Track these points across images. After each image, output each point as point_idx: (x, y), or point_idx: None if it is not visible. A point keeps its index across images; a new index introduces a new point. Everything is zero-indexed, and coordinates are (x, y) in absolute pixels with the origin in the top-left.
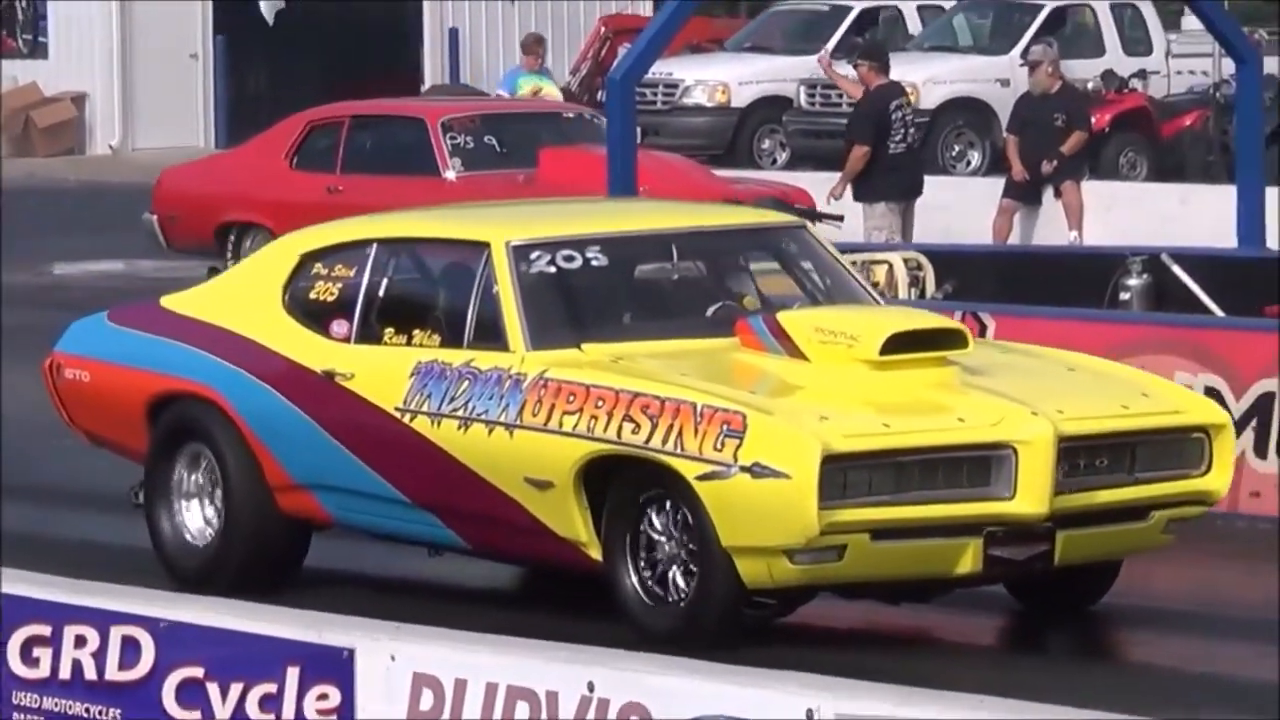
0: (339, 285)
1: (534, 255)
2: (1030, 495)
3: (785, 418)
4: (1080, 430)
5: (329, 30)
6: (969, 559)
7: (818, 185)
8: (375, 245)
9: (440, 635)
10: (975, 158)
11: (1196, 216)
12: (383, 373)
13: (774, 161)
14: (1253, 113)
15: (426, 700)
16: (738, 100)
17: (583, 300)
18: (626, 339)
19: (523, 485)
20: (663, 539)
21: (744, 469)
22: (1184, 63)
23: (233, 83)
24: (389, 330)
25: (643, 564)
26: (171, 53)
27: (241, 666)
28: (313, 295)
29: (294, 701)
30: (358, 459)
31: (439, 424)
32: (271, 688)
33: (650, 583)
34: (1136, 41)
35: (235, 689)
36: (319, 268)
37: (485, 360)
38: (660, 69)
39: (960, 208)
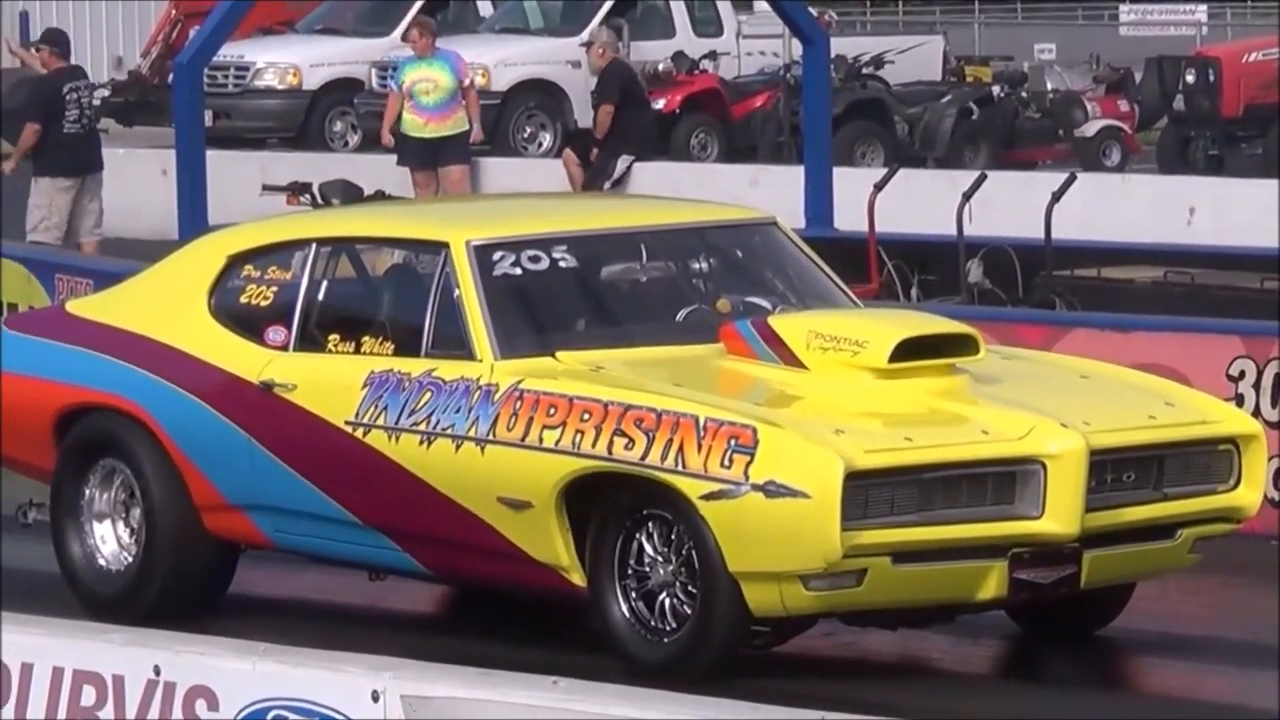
0: (274, 289)
1: (497, 256)
2: (1060, 514)
3: (799, 432)
4: (1111, 443)
5: None
6: (993, 583)
7: (384, 167)
8: (314, 245)
9: (5, 619)
10: (547, 139)
11: (766, 197)
12: (330, 384)
13: (346, 144)
14: (820, 94)
15: None
16: (309, 83)
17: (553, 304)
18: (602, 346)
19: (495, 505)
20: (656, 563)
21: (756, 488)
22: (755, 44)
23: None
24: (333, 337)
25: (633, 590)
26: None
27: None
28: (244, 300)
29: None
30: (300, 477)
31: (397, 439)
32: None
33: (642, 611)
34: (707, 23)
35: None
36: (250, 270)
37: (449, 370)
38: (232, 52)
39: (529, 189)
